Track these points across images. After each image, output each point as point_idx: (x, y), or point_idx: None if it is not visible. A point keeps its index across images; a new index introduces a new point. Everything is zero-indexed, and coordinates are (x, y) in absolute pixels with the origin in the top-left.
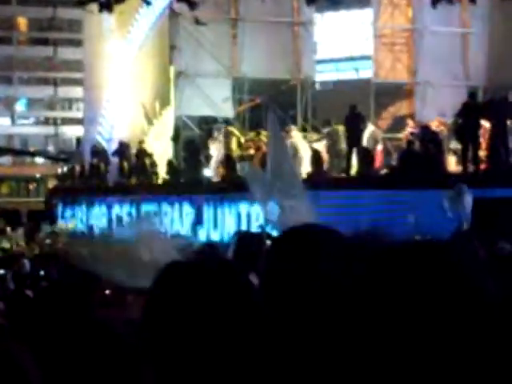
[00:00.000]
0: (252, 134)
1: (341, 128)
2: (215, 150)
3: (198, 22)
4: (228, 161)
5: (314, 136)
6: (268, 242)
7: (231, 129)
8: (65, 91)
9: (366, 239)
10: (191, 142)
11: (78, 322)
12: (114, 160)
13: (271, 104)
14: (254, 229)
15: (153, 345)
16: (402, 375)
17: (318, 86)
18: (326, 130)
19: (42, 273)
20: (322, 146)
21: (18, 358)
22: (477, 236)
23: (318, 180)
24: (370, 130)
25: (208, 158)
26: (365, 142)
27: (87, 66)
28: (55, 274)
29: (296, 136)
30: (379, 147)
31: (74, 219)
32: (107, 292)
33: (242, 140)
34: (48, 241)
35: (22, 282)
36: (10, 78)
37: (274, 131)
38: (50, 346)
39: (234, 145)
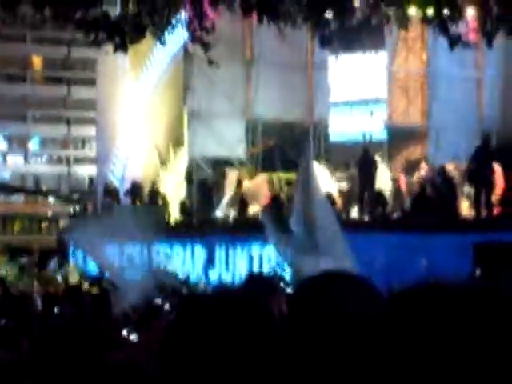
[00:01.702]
0: (264, 176)
1: (354, 172)
2: (227, 190)
3: (211, 62)
4: (241, 202)
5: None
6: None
7: (240, 174)
8: (78, 130)
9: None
10: (204, 182)
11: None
12: (126, 200)
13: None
14: (266, 271)
15: (175, 375)
16: None
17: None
18: (346, 174)
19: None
20: (334, 189)
21: None
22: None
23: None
24: (382, 172)
25: (220, 199)
26: (377, 184)
27: (100, 105)
28: (70, 312)
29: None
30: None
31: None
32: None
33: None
34: (59, 278)
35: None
36: (24, 116)
37: (306, 180)
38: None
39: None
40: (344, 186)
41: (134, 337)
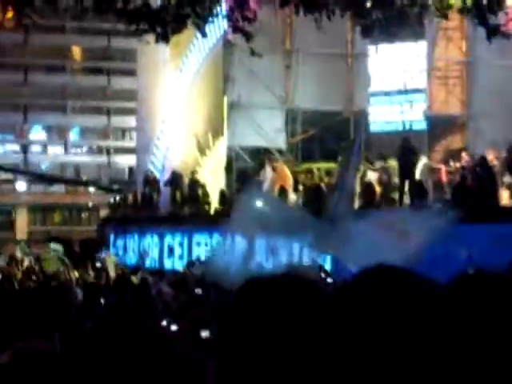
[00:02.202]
0: (304, 167)
1: (393, 163)
2: (266, 180)
3: (253, 52)
4: (281, 192)
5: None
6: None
7: (279, 164)
8: (118, 121)
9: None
10: (244, 172)
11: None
12: (166, 190)
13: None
14: (306, 260)
15: (229, 358)
16: None
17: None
18: (379, 164)
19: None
20: (374, 178)
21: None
22: None
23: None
24: (422, 162)
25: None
26: (418, 174)
27: (140, 95)
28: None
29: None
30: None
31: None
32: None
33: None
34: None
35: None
36: (64, 106)
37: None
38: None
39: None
40: (383, 176)
41: (174, 327)
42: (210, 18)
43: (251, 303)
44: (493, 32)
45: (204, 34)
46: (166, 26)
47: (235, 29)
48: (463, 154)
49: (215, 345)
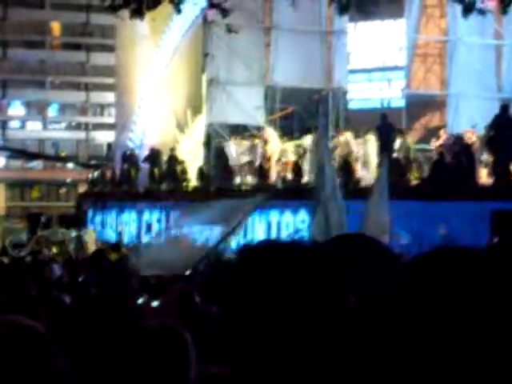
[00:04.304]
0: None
1: (371, 138)
2: (244, 155)
3: (229, 29)
4: (261, 169)
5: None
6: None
7: (267, 135)
8: (97, 96)
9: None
10: (222, 149)
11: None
12: (145, 166)
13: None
14: (284, 237)
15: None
16: None
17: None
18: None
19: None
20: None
21: (56, 363)
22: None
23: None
24: (399, 141)
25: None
26: (395, 153)
27: (119, 71)
28: (95, 280)
29: (349, 136)
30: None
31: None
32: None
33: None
34: (72, 246)
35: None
36: (43, 82)
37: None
38: (94, 354)
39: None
40: (360, 151)
41: (155, 303)
42: None
43: (262, 271)
44: (468, 9)
45: (179, 11)
46: (141, 1)
47: (212, 5)
48: (441, 132)
49: (222, 317)
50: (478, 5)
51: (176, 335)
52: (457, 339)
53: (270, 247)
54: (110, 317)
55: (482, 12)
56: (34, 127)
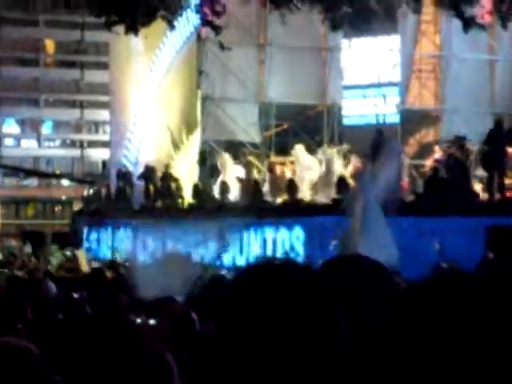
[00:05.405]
0: (277, 159)
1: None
2: (240, 173)
3: (222, 46)
4: (256, 186)
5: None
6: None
7: (251, 158)
8: (91, 114)
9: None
10: (217, 166)
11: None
12: (140, 183)
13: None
14: (279, 254)
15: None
16: None
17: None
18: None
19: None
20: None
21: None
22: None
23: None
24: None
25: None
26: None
27: (113, 88)
28: (90, 299)
29: (332, 153)
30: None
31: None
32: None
33: (262, 167)
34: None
35: (50, 305)
36: (37, 100)
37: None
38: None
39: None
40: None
41: (152, 321)
42: (180, 11)
43: (259, 290)
44: (468, 24)
45: (172, 27)
46: (136, 17)
47: (205, 22)
48: (436, 148)
49: (218, 336)
50: (478, 20)
51: (159, 358)
52: (454, 365)
53: (263, 270)
54: (106, 337)
55: (482, 27)
56: (29, 145)
